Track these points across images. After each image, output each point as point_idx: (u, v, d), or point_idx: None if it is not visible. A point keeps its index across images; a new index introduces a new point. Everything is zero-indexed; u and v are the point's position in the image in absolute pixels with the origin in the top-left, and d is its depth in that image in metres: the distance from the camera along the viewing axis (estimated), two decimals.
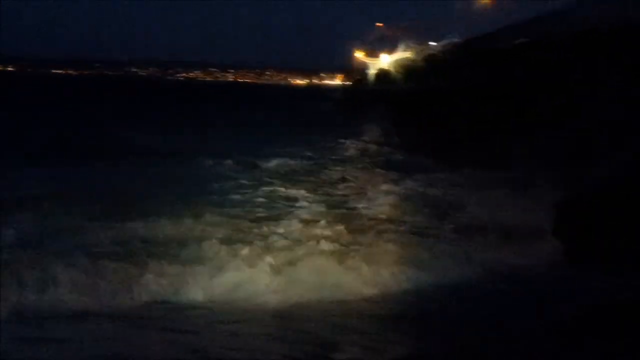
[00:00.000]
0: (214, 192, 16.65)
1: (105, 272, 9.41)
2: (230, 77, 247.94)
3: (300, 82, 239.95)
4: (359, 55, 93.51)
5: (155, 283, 9.29)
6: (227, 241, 11.35)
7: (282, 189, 17.69)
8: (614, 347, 7.24)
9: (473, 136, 21.48)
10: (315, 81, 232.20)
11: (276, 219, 13.81)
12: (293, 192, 17.34)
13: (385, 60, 74.63)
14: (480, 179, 17.68)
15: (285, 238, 11.93)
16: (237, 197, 16.06)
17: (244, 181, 18.68)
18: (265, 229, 12.66)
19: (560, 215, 12.33)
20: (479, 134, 20.84)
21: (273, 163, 22.42)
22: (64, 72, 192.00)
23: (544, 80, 18.37)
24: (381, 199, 16.43)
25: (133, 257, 10.16)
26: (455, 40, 51.23)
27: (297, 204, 15.61)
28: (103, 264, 9.62)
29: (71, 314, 8.43)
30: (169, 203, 14.31)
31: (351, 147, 28.64)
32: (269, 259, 10.30)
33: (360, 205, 15.74)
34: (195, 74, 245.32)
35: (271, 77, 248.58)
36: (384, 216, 14.69)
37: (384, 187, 18.08)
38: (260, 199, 16.04)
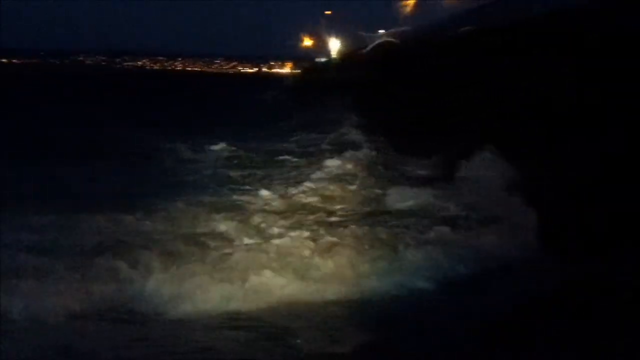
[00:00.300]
0: (168, 184, 16.31)
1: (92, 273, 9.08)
2: (179, 66, 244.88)
3: (249, 70, 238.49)
4: (308, 43, 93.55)
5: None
6: (190, 239, 11.06)
7: (237, 178, 17.67)
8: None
9: (422, 124, 21.69)
10: (264, 70, 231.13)
11: (237, 209, 13.59)
12: (251, 181, 17.33)
13: (334, 48, 74.86)
14: (437, 166, 17.72)
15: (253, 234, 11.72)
16: (195, 190, 15.71)
17: (200, 172, 18.58)
18: (230, 221, 12.40)
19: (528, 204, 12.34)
20: (429, 120, 21.03)
21: (221, 150, 22.31)
22: (7, 61, 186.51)
23: (487, 68, 18.48)
24: (328, 187, 16.26)
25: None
26: (405, 28, 51.63)
27: (254, 194, 15.35)
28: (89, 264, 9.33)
29: (65, 314, 8.14)
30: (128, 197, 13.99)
31: (296, 135, 28.44)
32: (234, 259, 10.01)
33: (307, 195, 15.51)
34: (143, 62, 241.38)
35: (221, 66, 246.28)
36: (336, 206, 14.55)
37: (332, 175, 17.91)
38: (219, 189, 15.88)
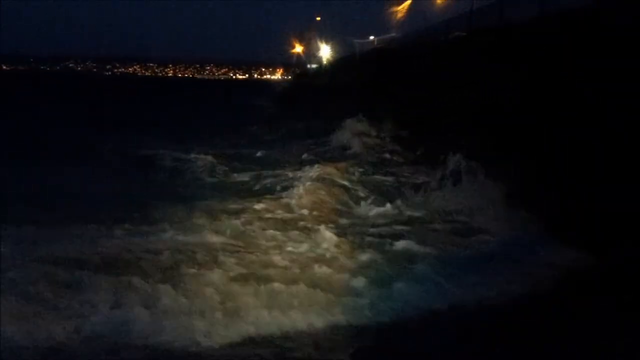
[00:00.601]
0: (161, 193, 15.94)
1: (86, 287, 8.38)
2: (170, 72, 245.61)
3: (240, 76, 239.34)
4: (299, 49, 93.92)
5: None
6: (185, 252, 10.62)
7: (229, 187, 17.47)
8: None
9: (417, 129, 21.74)
10: (256, 76, 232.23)
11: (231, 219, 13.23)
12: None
13: (325, 54, 75.08)
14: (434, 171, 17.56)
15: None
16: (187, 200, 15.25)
17: (191, 182, 18.34)
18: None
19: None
20: (424, 125, 21.08)
21: (210, 160, 22.01)
22: None
23: (472, 72, 18.44)
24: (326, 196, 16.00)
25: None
26: (394, 35, 51.82)
27: (248, 205, 15.03)
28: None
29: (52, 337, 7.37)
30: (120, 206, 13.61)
31: (291, 142, 28.02)
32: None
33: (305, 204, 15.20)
34: (134, 68, 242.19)
35: (212, 72, 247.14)
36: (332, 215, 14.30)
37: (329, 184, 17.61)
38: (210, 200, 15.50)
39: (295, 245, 11.23)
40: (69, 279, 8.53)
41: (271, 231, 12.12)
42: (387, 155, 21.99)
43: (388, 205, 14.64)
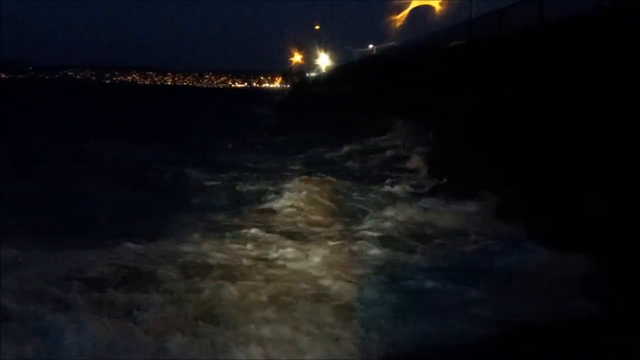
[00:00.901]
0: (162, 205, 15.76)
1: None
2: (169, 81, 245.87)
3: (239, 85, 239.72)
4: (298, 58, 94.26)
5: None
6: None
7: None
8: None
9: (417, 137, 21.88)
10: (254, 84, 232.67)
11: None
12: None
13: (323, 63, 75.17)
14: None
15: None
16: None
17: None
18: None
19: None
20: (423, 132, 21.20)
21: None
22: None
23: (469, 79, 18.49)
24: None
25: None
26: (393, 43, 51.95)
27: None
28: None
29: None
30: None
31: (295, 153, 27.82)
32: None
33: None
34: (133, 76, 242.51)
35: (211, 80, 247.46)
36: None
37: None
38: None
39: (304, 260, 10.91)
40: (72, 289, 8.27)
41: (277, 243, 11.82)
42: (388, 165, 22.00)
43: (393, 216, 14.63)
